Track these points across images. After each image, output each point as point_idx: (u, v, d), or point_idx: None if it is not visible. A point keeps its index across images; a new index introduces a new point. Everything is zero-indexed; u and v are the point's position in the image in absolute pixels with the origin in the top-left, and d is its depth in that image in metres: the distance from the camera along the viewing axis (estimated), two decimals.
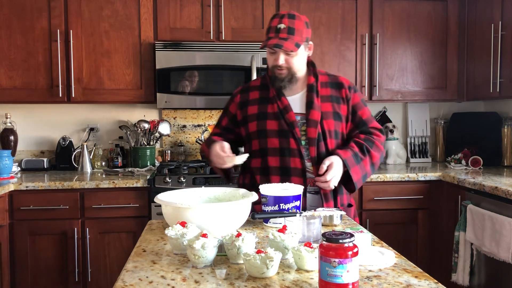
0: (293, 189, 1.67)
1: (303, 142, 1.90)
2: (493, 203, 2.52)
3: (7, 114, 3.34)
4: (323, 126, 1.90)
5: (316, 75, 1.98)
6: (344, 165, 1.83)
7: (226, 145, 1.86)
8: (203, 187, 1.77)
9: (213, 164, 1.93)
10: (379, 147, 1.96)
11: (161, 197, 1.58)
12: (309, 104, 1.92)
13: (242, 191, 1.69)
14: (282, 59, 1.87)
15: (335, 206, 1.91)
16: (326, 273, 1.04)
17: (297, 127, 1.90)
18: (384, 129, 3.64)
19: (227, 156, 1.82)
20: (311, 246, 1.23)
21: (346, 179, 1.87)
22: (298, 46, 1.84)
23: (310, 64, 2.00)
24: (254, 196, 1.58)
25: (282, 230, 1.33)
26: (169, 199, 1.60)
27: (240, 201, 1.50)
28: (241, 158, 1.83)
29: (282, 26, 1.83)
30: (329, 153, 1.89)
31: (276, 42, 1.82)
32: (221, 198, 1.72)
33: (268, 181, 1.86)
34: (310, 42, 1.94)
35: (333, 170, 1.80)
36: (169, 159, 3.54)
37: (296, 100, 1.95)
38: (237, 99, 2.03)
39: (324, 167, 1.79)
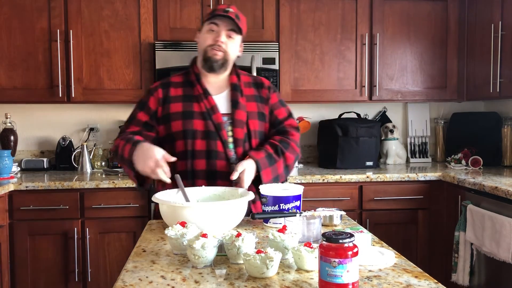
0: (293, 189, 1.67)
1: (230, 146, 1.84)
2: (493, 203, 2.52)
3: (7, 114, 3.34)
4: (248, 126, 1.87)
5: (238, 74, 1.96)
6: (257, 166, 1.77)
7: (166, 154, 1.68)
8: (203, 186, 1.76)
9: (140, 168, 1.68)
10: (294, 148, 1.93)
11: (158, 196, 1.59)
12: (234, 104, 1.88)
13: (241, 190, 1.70)
14: (224, 37, 1.84)
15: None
16: (326, 273, 1.04)
17: (224, 128, 1.84)
18: (384, 129, 3.64)
19: (162, 168, 1.64)
20: (311, 246, 1.23)
21: (258, 178, 1.80)
22: (242, 30, 1.88)
23: (234, 64, 1.97)
24: (250, 195, 1.59)
25: (282, 230, 1.33)
26: (166, 198, 1.61)
27: (237, 200, 1.51)
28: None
29: (230, 10, 1.85)
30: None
31: (226, 13, 1.82)
32: (219, 197, 1.72)
33: (193, 185, 1.79)
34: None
35: (246, 177, 1.74)
36: None
37: (221, 100, 1.90)
38: (159, 94, 1.88)
39: (236, 174, 1.72)
